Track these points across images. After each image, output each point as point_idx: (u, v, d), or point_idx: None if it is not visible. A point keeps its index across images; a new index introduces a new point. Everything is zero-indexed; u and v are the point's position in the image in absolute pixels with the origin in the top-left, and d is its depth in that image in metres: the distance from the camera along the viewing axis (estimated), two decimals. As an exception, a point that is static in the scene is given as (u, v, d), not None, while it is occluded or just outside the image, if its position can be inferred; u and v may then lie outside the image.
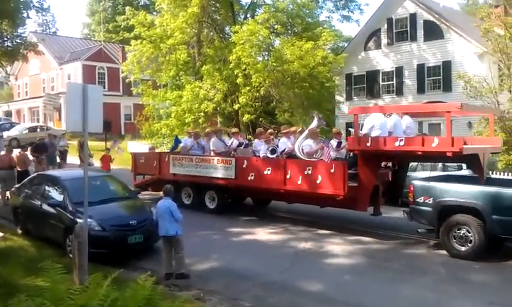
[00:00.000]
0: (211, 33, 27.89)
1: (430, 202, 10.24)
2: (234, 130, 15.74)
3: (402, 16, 28.78)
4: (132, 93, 35.39)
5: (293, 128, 14.50)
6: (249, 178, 13.07)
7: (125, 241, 9.68)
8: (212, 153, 14.61)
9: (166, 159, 15.33)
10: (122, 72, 31.65)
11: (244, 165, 13.26)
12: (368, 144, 11.05)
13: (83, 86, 8.01)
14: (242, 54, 22.56)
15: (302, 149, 12.48)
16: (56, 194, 10.85)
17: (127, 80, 30.66)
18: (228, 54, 23.83)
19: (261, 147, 13.50)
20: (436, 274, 8.94)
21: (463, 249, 9.74)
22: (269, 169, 12.66)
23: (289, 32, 27.63)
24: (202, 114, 24.09)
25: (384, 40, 29.60)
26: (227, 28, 29.00)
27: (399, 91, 28.97)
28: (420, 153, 10.77)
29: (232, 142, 14.60)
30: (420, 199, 10.41)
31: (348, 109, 30.76)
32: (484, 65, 23.87)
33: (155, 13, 32.24)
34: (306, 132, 12.78)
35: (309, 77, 23.47)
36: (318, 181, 11.57)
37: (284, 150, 13.04)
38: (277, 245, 11.14)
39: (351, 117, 31.06)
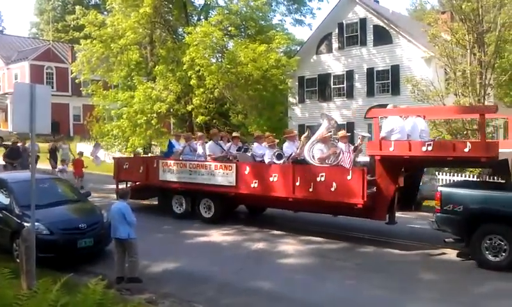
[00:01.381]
0: (164, 34, 27.68)
1: (460, 210, 9.49)
2: (235, 134, 14.53)
3: (352, 21, 29.40)
4: (81, 93, 34.60)
5: (295, 132, 13.77)
6: (252, 185, 12.09)
7: (74, 245, 9.44)
8: (208, 159, 13.43)
9: (155, 165, 14.20)
10: (71, 72, 30.88)
11: (246, 172, 12.26)
12: (391, 149, 10.22)
13: (31, 86, 7.77)
14: (195, 55, 22.49)
15: (313, 154, 11.41)
16: (2, 197, 10.45)
17: (76, 81, 30.03)
18: (182, 55, 23.70)
19: (261, 151, 12.70)
20: (386, 273, 9.17)
21: (496, 259, 9.10)
22: (275, 176, 11.69)
23: (243, 34, 27.79)
24: (155, 115, 23.85)
25: (335, 44, 30.15)
26: (180, 29, 28.87)
27: (350, 94, 29.58)
28: (450, 158, 10.13)
29: (230, 147, 13.48)
30: (449, 207, 9.64)
31: (300, 112, 31.29)
32: (431, 69, 24.71)
33: (106, 12, 31.65)
34: (316, 135, 11.72)
35: (263, 80, 23.66)
36: (333, 189, 10.65)
37: (290, 155, 12.14)
38: (231, 246, 11.15)
39: (304, 119, 31.86)
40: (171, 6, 27.92)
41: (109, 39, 25.53)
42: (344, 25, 29.61)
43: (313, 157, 11.34)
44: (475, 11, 20.31)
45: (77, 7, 29.90)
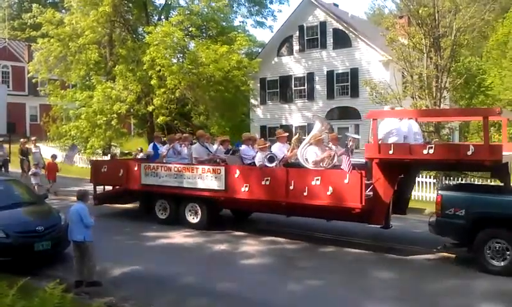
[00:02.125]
0: (124, 33, 27.33)
1: (462, 214, 9.23)
2: (224, 137, 13.86)
3: (313, 24, 29.79)
4: (38, 93, 33.68)
5: (286, 134, 12.99)
6: (242, 189, 11.49)
7: (31, 248, 9.18)
8: (194, 161, 12.87)
9: (136, 168, 13.37)
10: (28, 72, 30.10)
11: (237, 175, 11.65)
12: (391, 152, 9.88)
13: (-15, 85, 7.52)
14: (156, 55, 22.30)
15: (306, 157, 11.04)
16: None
17: (33, 80, 29.21)
18: (142, 55, 23.45)
19: (250, 154, 12.21)
20: (347, 272, 9.31)
21: (500, 264, 8.88)
22: (267, 180, 11.10)
23: (204, 35, 27.79)
24: (115, 115, 23.47)
25: (296, 47, 30.48)
26: (140, 29, 28.58)
27: (310, 96, 29.96)
28: (452, 162, 9.95)
29: (217, 149, 12.96)
30: (450, 211, 9.38)
31: (262, 113, 31.46)
32: (388, 72, 25.36)
33: (64, 10, 30.94)
34: (309, 138, 11.36)
35: (224, 81, 23.71)
36: (329, 193, 10.23)
37: (282, 158, 11.68)
38: (192, 248, 11.09)
39: (266, 121, 32.00)
40: (131, 5, 27.60)
41: (67, 38, 25.02)
42: (305, 28, 29.97)
43: (306, 159, 10.99)
44: (432, 16, 20.93)
45: (34, 5, 29.20)
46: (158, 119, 23.75)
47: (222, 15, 27.48)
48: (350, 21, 30.24)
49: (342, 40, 28.64)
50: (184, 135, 14.95)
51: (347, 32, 28.55)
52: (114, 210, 15.20)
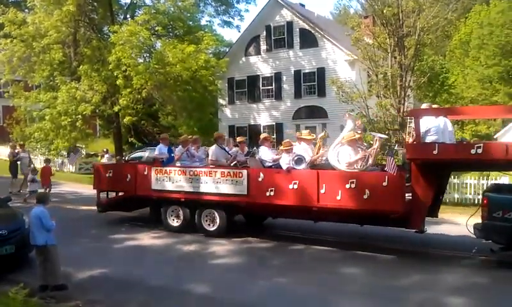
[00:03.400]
0: (88, 32, 26.77)
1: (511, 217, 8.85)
2: (241, 138, 13.11)
3: (279, 24, 29.92)
4: (2, 94, 32.75)
5: (310, 136, 12.08)
6: (267, 193, 10.76)
7: (-6, 252, 8.96)
8: (210, 164, 12.13)
9: (146, 172, 12.62)
10: (-10, 73, 29.22)
11: (260, 179, 10.93)
12: (435, 152, 9.35)
13: None
14: (122, 55, 21.98)
15: (338, 158, 10.37)
16: None
17: (-4, 82, 28.35)
18: (107, 55, 23.08)
19: (271, 156, 11.57)
20: (316, 270, 9.40)
21: None
22: (295, 183, 10.41)
23: (171, 34, 27.56)
24: (80, 116, 23.04)
25: (263, 46, 30.57)
26: (106, 28, 28.11)
27: (278, 96, 30.10)
28: (502, 162, 9.35)
29: (237, 152, 12.33)
30: (498, 214, 8.95)
31: (230, 113, 31.42)
32: (354, 72, 25.68)
33: (27, 10, 30.17)
34: (340, 137, 10.66)
35: (192, 80, 23.55)
36: (366, 197, 9.59)
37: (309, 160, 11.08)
38: (161, 249, 11.02)
39: (234, 120, 31.95)
40: (95, 4, 27.10)
41: (30, 39, 24.36)
42: (272, 27, 30.08)
43: (338, 161, 10.33)
44: (396, 16, 21.27)
45: (-5, 5, 28.32)
46: (124, 120, 23.40)
47: (188, 14, 27.29)
48: (316, 21, 30.51)
49: (308, 40, 28.87)
50: (194, 137, 13.98)
51: (313, 32, 28.79)
52: (80, 212, 14.97)
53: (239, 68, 31.17)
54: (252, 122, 30.89)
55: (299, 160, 10.70)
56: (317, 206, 10.26)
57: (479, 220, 9.53)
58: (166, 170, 12.27)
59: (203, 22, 30.97)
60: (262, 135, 12.37)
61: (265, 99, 30.77)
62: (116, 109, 23.56)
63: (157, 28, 25.43)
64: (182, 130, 29.49)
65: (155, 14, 25.43)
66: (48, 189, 16.94)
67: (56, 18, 23.56)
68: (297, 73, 29.28)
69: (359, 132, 10.89)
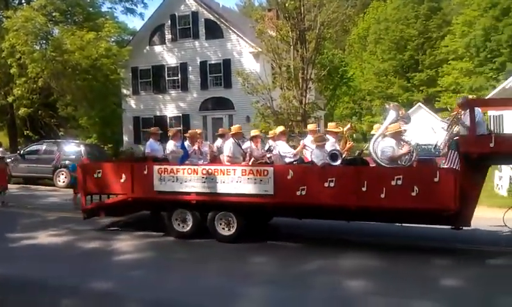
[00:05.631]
0: (-22, 17, 24.85)
1: None
2: (255, 132, 11.55)
3: (185, 14, 29.57)
4: None
5: (338, 129, 11.16)
6: (298, 193, 9.74)
7: None
8: (226, 161, 10.93)
9: (146, 171, 11.04)
10: None
11: (290, 177, 9.85)
12: (492, 145, 8.79)
13: None
14: (16, 42, 20.72)
15: (381, 152, 9.67)
16: None
17: None
18: (0, 41, 21.57)
19: (290, 151, 10.79)
20: (223, 261, 9.44)
21: None
22: (331, 181, 9.50)
23: (69, 21, 26.30)
24: (-32, 108, 21.41)
25: (168, 36, 30.06)
26: (-2, 13, 26.22)
27: (184, 87, 29.80)
28: None
29: (251, 147, 11.12)
30: None
31: (135, 103, 30.61)
32: (259, 64, 26.10)
33: None
34: (382, 129, 9.92)
35: (92, 69, 22.73)
36: (414, 194, 8.95)
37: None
38: (62, 247, 10.52)
39: (139, 111, 31.20)
40: (-14, -14, 25.21)
41: None
42: (177, 17, 29.66)
43: (380, 155, 9.66)
44: (298, 9, 21.94)
45: None
46: (19, 111, 22.13)
47: (88, 1, 26.21)
48: (221, 12, 30.52)
49: (214, 31, 28.82)
50: (198, 130, 12.65)
51: (218, 23, 28.78)
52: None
53: (144, 58, 30.38)
54: (158, 113, 30.32)
55: (335, 155, 9.87)
56: (357, 205, 9.45)
57: None
58: (171, 169, 10.83)
59: (104, 9, 29.87)
60: (279, 129, 11.39)
61: (171, 90, 30.32)
62: (10, 99, 22.21)
63: (54, 14, 24.18)
64: (82, 121, 28.37)
65: (52, -1, 24.14)
66: (2, 193, 15.46)
67: None
68: (204, 64, 29.14)
69: (404, 121, 10.15)
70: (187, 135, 12.04)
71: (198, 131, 12.35)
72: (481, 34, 39.94)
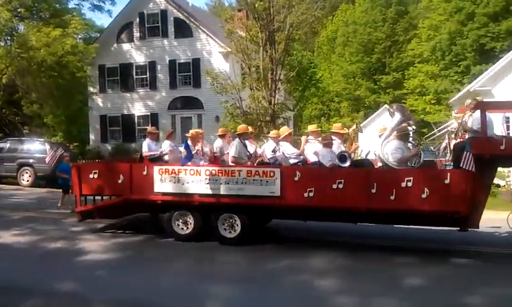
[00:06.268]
0: None
1: None
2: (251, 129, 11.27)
3: (153, 12, 29.34)
4: None
5: (344, 130, 11.03)
6: (305, 194, 9.56)
7: None
8: (231, 162, 10.61)
9: (145, 172, 10.72)
10: None
11: (297, 178, 9.68)
12: (503, 147, 8.74)
13: None
14: (-22, 38, 20.16)
15: (389, 154, 9.60)
16: None
17: None
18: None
19: (294, 151, 10.49)
20: (187, 260, 9.45)
21: None
22: (340, 183, 9.37)
23: (35, 17, 25.74)
24: None
25: (136, 34, 29.75)
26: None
27: (153, 86, 29.55)
28: None
29: (256, 148, 10.97)
30: None
31: (102, 102, 30.18)
32: (228, 64, 26.10)
33: None
34: (389, 130, 9.85)
35: (58, 66, 22.37)
36: (424, 196, 8.87)
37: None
38: (25, 247, 10.32)
39: (106, 110, 30.78)
40: None
41: None
42: (145, 15, 29.41)
43: (390, 157, 9.58)
44: (267, 10, 22.05)
45: None
46: (-18, 109, 21.55)
47: (55, -4, 25.76)
48: (191, 11, 30.38)
49: (183, 30, 28.69)
50: (200, 130, 12.40)
51: (188, 22, 28.66)
52: None
53: (111, 55, 29.98)
54: (126, 112, 29.97)
55: (344, 156, 9.71)
56: (367, 207, 9.35)
57: None
58: (172, 169, 10.53)
59: (71, 5, 29.41)
60: (284, 130, 11.07)
61: (139, 88, 30.00)
62: (-29, 96, 21.57)
63: (19, 9, 23.68)
64: (47, 119, 27.84)
65: (18, -6, 23.61)
66: None
67: None
68: (173, 63, 28.96)
69: (410, 123, 10.13)
70: (188, 135, 11.69)
71: (200, 131, 12.14)
72: (446, 38, 40.89)
